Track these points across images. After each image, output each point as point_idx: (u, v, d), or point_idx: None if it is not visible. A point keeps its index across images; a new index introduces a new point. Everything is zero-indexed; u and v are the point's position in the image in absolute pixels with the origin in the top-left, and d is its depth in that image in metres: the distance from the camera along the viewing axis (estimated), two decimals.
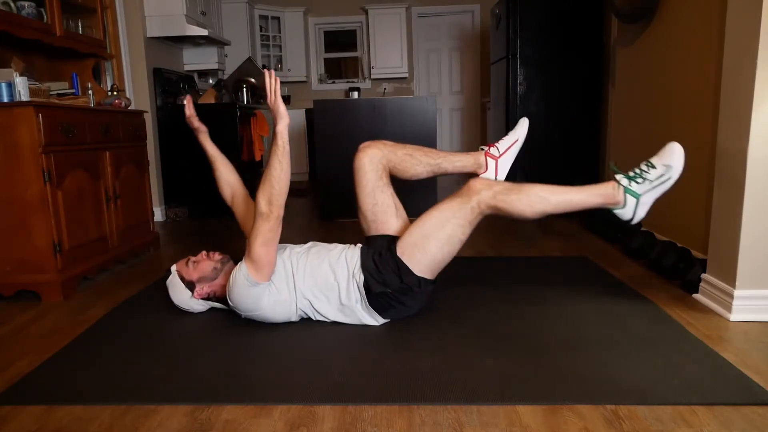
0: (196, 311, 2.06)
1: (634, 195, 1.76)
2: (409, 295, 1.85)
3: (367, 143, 2.00)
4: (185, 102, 2.18)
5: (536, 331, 1.82)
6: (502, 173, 2.05)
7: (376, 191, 1.98)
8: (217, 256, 2.03)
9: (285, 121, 1.75)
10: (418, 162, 2.00)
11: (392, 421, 1.32)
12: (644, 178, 1.75)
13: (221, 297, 1.99)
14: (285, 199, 1.75)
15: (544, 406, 1.36)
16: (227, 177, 2.23)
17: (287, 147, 1.74)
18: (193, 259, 2.02)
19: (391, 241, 1.89)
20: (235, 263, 1.95)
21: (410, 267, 1.81)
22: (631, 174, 1.78)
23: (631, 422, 1.29)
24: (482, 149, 2.06)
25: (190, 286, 1.99)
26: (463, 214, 1.77)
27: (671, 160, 1.73)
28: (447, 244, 1.80)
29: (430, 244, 1.79)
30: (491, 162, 2.03)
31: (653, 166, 1.76)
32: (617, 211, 1.80)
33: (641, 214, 1.78)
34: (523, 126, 2.08)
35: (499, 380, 1.49)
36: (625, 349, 1.66)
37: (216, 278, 1.99)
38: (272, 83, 1.74)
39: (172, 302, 2.05)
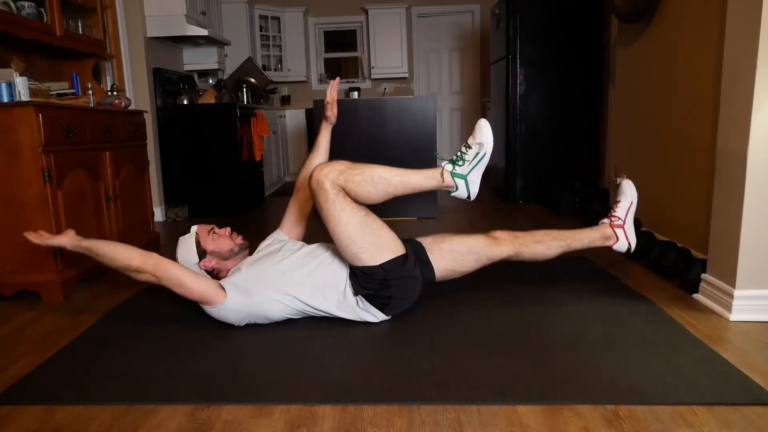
0: None
1: (461, 176, 1.87)
2: (390, 287, 1.84)
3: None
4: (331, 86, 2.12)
5: (536, 331, 1.82)
6: (632, 237, 2.12)
7: None
8: (239, 240, 2.03)
9: (62, 240, 1.93)
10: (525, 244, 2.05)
11: (392, 421, 1.32)
12: (464, 160, 1.87)
13: (222, 279, 1.99)
14: (137, 257, 1.82)
15: (544, 406, 1.36)
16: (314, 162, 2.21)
17: (87, 245, 1.90)
18: (216, 230, 2.01)
19: None
20: (250, 253, 2.02)
21: (369, 264, 1.81)
22: (454, 158, 1.89)
23: (631, 422, 1.29)
24: (605, 223, 2.13)
25: (201, 253, 1.98)
26: (339, 204, 1.77)
27: (481, 137, 1.85)
28: (364, 227, 1.79)
29: (357, 241, 1.79)
30: (619, 231, 2.11)
31: (469, 146, 1.87)
32: (454, 194, 1.91)
33: (474, 190, 1.90)
34: (629, 186, 2.14)
35: (499, 380, 1.49)
36: (625, 349, 1.66)
37: (227, 259, 1.98)
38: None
39: (171, 303, 2.04)
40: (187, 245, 1.99)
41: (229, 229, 2.03)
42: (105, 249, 1.84)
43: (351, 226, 1.78)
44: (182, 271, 1.79)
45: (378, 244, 1.82)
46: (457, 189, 1.88)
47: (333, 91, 2.11)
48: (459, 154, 1.88)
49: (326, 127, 2.20)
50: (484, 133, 1.85)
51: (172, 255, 2.93)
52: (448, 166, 1.88)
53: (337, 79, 2.18)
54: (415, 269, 1.90)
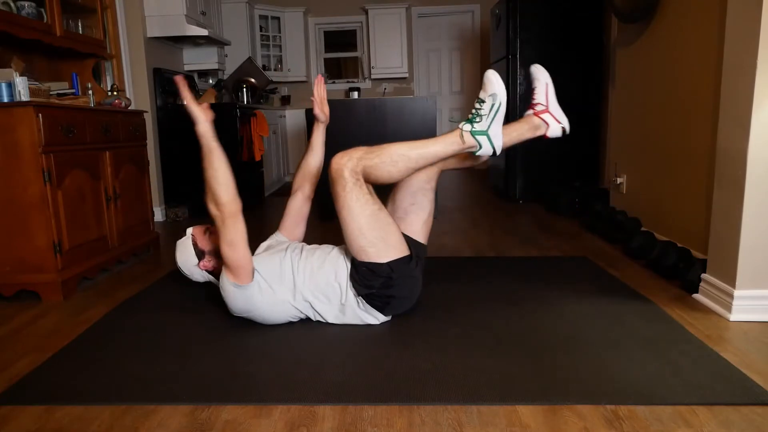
0: (194, 280, 2.03)
1: (482, 133, 1.83)
2: (393, 286, 1.83)
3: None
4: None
5: (536, 331, 1.82)
6: (562, 117, 2.01)
7: (419, 193, 2.00)
8: None
9: (201, 121, 1.73)
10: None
11: (392, 421, 1.32)
12: (480, 115, 1.83)
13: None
14: (231, 194, 1.71)
15: (544, 406, 1.36)
16: (308, 167, 2.23)
17: (212, 144, 1.72)
18: (212, 229, 1.99)
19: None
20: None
21: (375, 261, 1.81)
22: (469, 117, 1.85)
23: (631, 422, 1.29)
24: (529, 114, 2.03)
25: (200, 254, 1.97)
26: (356, 194, 1.77)
27: (492, 88, 1.82)
28: (375, 221, 1.80)
29: (366, 234, 1.79)
30: (546, 116, 1.99)
31: (483, 101, 1.84)
32: (479, 153, 1.86)
33: (498, 143, 1.85)
34: (539, 70, 2.04)
35: (499, 380, 1.49)
36: (625, 349, 1.66)
37: None
38: (181, 86, 1.71)
39: (171, 302, 2.05)
40: (185, 248, 1.98)
41: None
42: (219, 164, 1.72)
43: (363, 218, 1.78)
44: (243, 237, 1.76)
45: (386, 241, 1.81)
46: (481, 147, 1.83)
47: (320, 88, 2.08)
48: (474, 111, 1.84)
49: (318, 127, 2.20)
50: (494, 84, 1.81)
51: (172, 257, 2.93)
52: (466, 126, 1.83)
53: (319, 75, 2.13)
54: (417, 269, 1.90)
